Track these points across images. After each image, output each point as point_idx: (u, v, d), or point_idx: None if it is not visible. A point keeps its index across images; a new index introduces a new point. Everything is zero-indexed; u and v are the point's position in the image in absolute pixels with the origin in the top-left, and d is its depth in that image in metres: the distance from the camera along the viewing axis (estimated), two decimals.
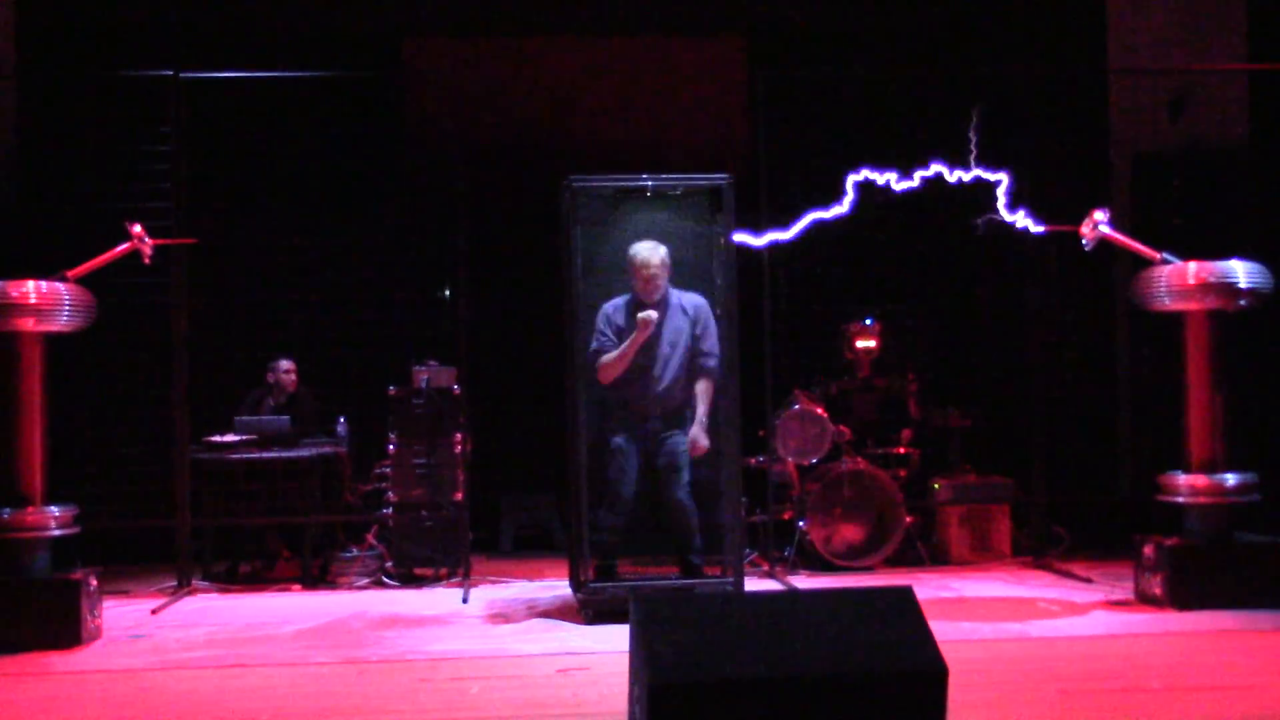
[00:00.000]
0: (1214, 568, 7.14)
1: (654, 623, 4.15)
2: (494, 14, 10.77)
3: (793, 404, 8.95)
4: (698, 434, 7.27)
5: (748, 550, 8.44)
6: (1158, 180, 9.93)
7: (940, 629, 4.52)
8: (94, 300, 7.05)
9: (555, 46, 11.00)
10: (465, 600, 7.93)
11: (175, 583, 8.40)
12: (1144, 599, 7.33)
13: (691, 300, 7.39)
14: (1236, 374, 7.70)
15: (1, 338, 6.82)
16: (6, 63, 9.60)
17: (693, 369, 7.34)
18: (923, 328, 10.58)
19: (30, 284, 6.77)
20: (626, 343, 7.20)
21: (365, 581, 8.65)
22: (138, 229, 7.37)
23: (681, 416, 7.36)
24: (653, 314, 7.18)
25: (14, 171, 9.65)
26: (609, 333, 7.30)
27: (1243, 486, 7.27)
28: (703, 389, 7.33)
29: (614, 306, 7.36)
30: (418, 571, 8.72)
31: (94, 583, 6.81)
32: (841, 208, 8.13)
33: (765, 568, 8.62)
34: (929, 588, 7.91)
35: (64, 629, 6.61)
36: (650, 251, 7.27)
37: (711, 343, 7.34)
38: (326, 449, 8.94)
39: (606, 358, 7.24)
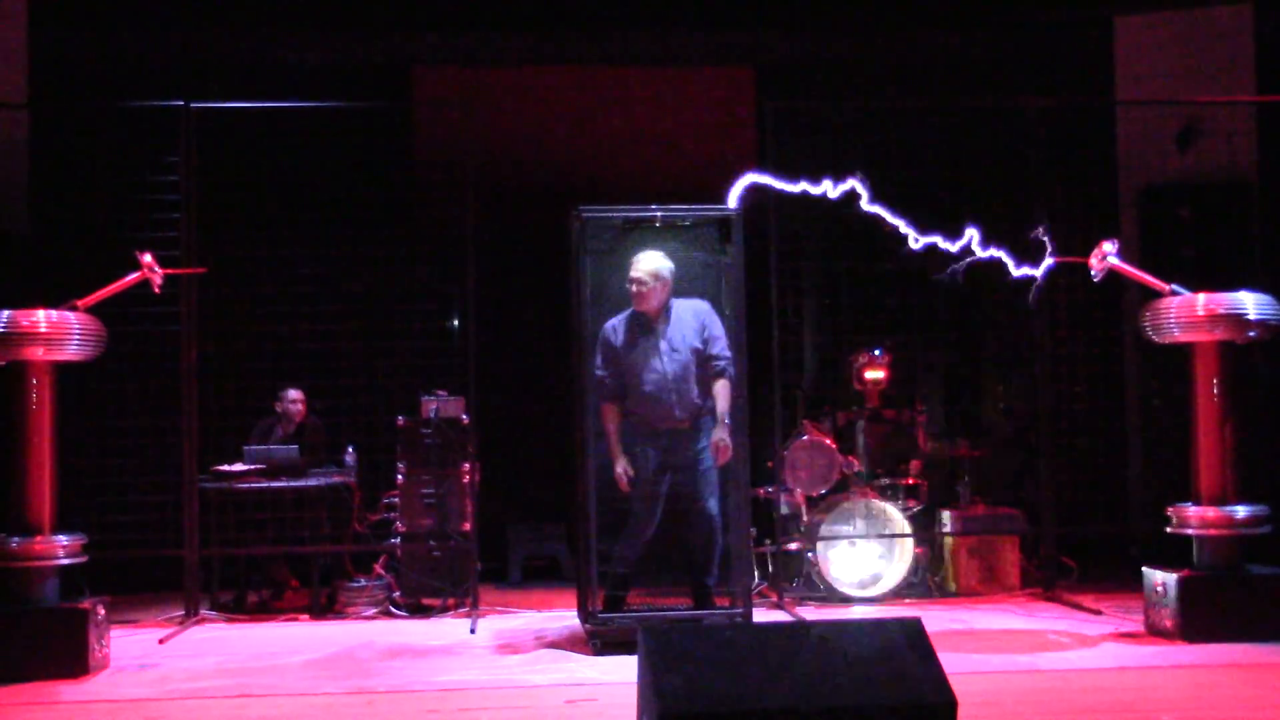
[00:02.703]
0: (1225, 600, 7.11)
1: (663, 654, 4.15)
2: (503, 44, 10.84)
3: (801, 435, 8.95)
4: (722, 435, 7.23)
5: (756, 581, 8.42)
6: (1166, 212, 9.95)
7: (949, 661, 4.51)
8: (104, 329, 7.06)
9: (564, 77, 11.05)
10: (473, 630, 7.92)
11: (183, 612, 8.39)
12: (1154, 631, 7.30)
13: (694, 307, 7.38)
14: (1247, 405, 7.68)
15: (12, 367, 6.83)
16: (19, 94, 9.65)
17: (705, 375, 7.33)
18: (931, 359, 10.57)
19: (40, 313, 6.78)
20: (614, 441, 7.27)
21: (373, 611, 8.64)
22: (148, 258, 7.39)
23: (703, 428, 7.34)
24: (624, 473, 7.22)
25: (26, 201, 9.68)
26: (605, 361, 7.32)
27: (1253, 518, 7.25)
28: (720, 390, 7.29)
29: (613, 326, 7.38)
30: (426, 601, 8.70)
31: (102, 612, 6.81)
32: None
33: (774, 599, 8.60)
34: (938, 619, 7.88)
35: (71, 658, 6.60)
36: (642, 262, 7.27)
37: (720, 346, 7.30)
38: (335, 479, 8.94)
39: (609, 432, 7.28)
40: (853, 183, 7.84)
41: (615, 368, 7.31)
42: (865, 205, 7.99)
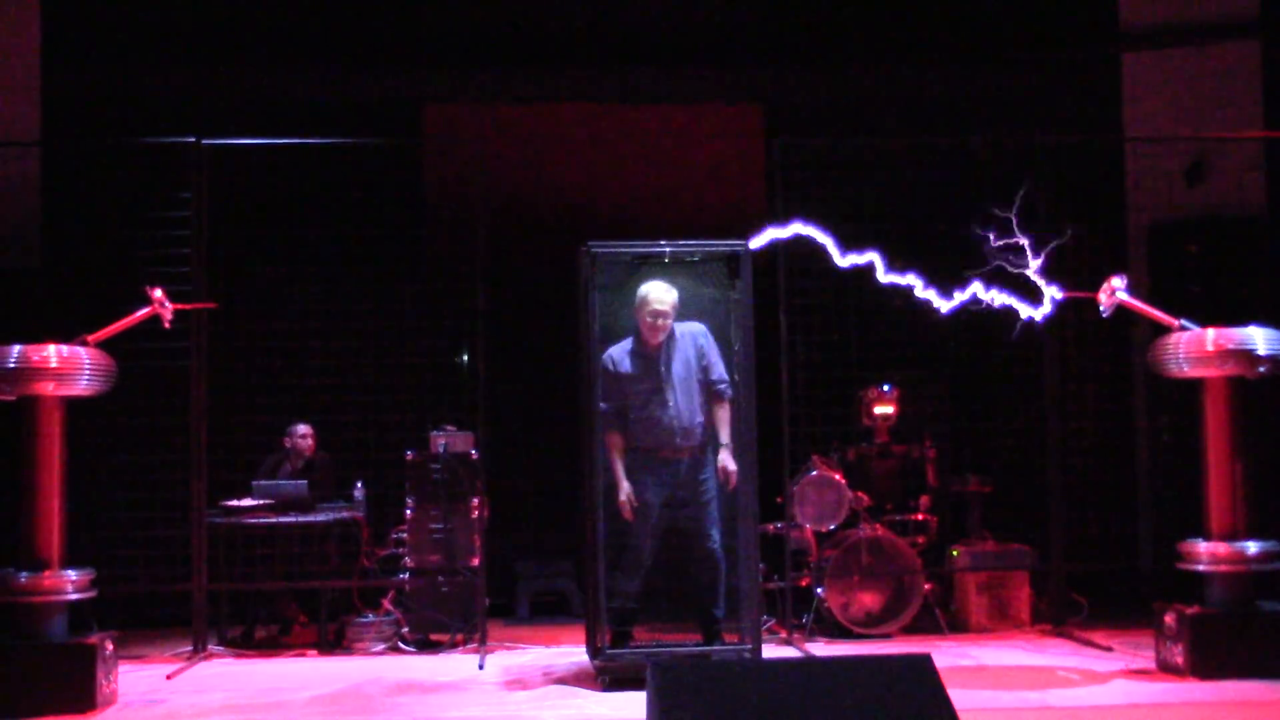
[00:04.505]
0: (1236, 637, 7.08)
1: (671, 690, 4.13)
2: (513, 82, 10.89)
3: (810, 470, 8.93)
4: (727, 459, 7.28)
5: (765, 617, 8.40)
6: (1175, 247, 9.95)
7: (959, 698, 4.48)
8: (114, 364, 7.08)
9: (574, 114, 11.10)
10: (482, 666, 7.90)
11: (191, 647, 8.38)
12: (1165, 668, 7.26)
13: (691, 331, 7.41)
14: (1257, 441, 7.66)
15: (22, 401, 6.85)
16: (32, 131, 9.70)
17: (707, 399, 7.37)
18: (940, 394, 10.55)
19: (51, 348, 6.79)
20: (618, 468, 7.26)
21: (381, 647, 8.62)
22: (158, 293, 7.42)
23: (706, 459, 7.35)
24: (628, 500, 7.22)
25: (38, 237, 9.72)
26: (606, 392, 7.30)
27: (1265, 554, 7.22)
28: (722, 415, 7.36)
29: (612, 357, 7.38)
30: (434, 637, 8.69)
31: (110, 647, 6.80)
32: None
33: (783, 635, 8.57)
34: (948, 656, 7.85)
35: (79, 694, 6.58)
36: (663, 293, 7.29)
37: (720, 370, 7.38)
38: (343, 514, 8.93)
39: (612, 461, 7.27)
40: (871, 256, 7.87)
41: (618, 398, 7.32)
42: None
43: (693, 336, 7.40)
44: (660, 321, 7.28)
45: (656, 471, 7.31)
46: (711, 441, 7.37)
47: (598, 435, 7.29)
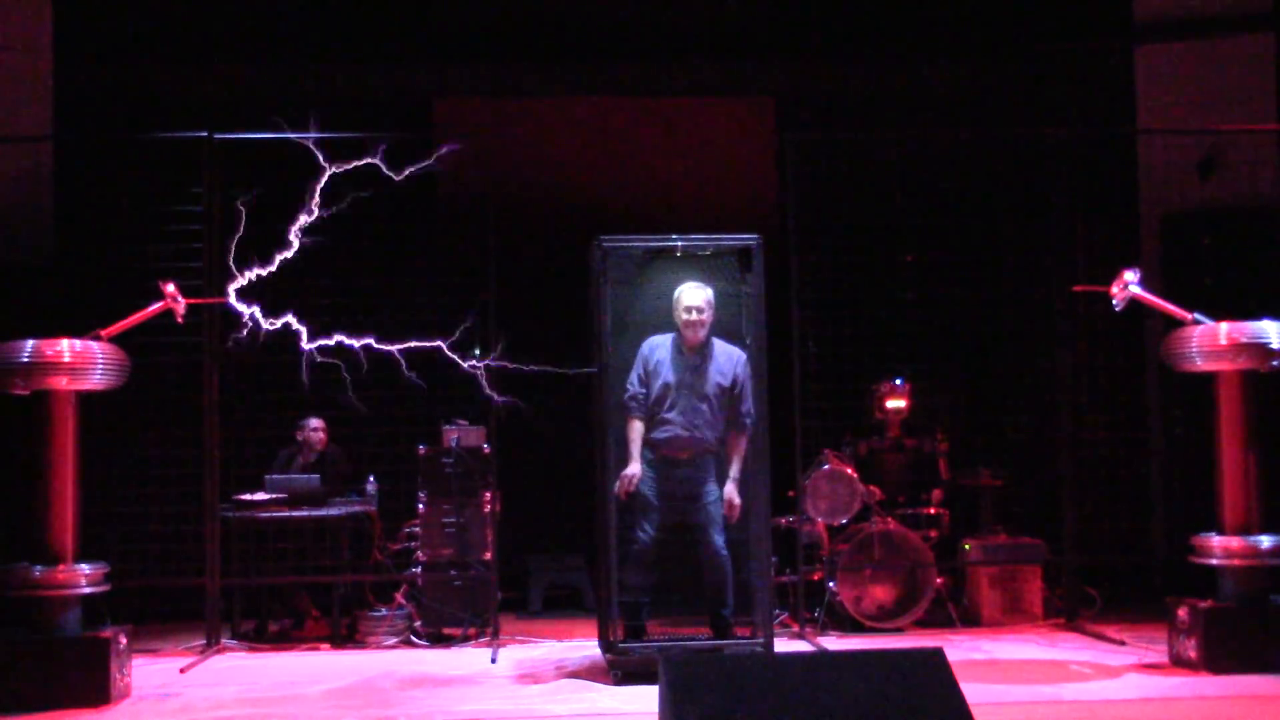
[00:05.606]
0: (1249, 631, 7.07)
1: (683, 684, 4.14)
2: (524, 76, 10.88)
3: (822, 464, 8.93)
4: (733, 492, 7.28)
5: (777, 611, 8.40)
6: (1188, 240, 9.92)
7: (971, 692, 4.48)
8: (127, 359, 7.09)
9: (585, 108, 11.09)
10: (494, 660, 7.91)
11: (204, 641, 8.39)
12: (1178, 662, 7.25)
13: (731, 353, 7.38)
14: (1270, 435, 7.64)
15: (35, 396, 6.86)
16: (44, 126, 9.72)
17: (728, 422, 7.34)
18: (953, 388, 10.54)
19: (64, 343, 6.81)
20: (633, 449, 7.24)
21: (394, 641, 8.63)
22: (171, 288, 7.43)
23: (709, 466, 7.35)
24: (635, 474, 7.20)
25: (51, 232, 9.74)
26: (639, 378, 7.30)
27: (1278, 549, 7.20)
28: (738, 446, 7.35)
29: (654, 345, 7.36)
30: (446, 631, 8.70)
31: (123, 641, 6.81)
32: None
33: (795, 628, 8.57)
34: (960, 649, 7.86)
35: (93, 687, 6.61)
36: (696, 293, 7.26)
37: (749, 402, 7.33)
38: (356, 508, 8.95)
39: (630, 441, 7.26)
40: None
41: (647, 388, 7.31)
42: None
43: (734, 359, 7.36)
44: (696, 317, 7.24)
45: (660, 469, 7.31)
46: (714, 452, 7.36)
47: (610, 418, 7.29)
